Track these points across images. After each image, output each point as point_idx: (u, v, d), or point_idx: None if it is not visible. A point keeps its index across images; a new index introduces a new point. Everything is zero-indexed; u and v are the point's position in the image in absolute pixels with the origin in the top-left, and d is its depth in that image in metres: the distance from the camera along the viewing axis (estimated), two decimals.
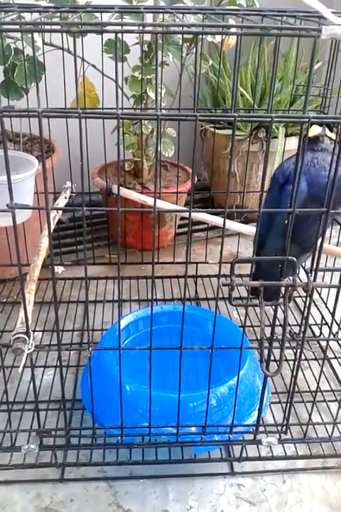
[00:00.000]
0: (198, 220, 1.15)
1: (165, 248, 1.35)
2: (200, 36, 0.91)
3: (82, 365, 0.94)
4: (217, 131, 1.33)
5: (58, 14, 0.87)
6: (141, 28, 0.47)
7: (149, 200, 1.08)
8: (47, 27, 0.50)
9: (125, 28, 0.47)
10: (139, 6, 0.94)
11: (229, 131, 1.39)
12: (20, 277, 0.60)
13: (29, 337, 0.61)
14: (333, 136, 0.79)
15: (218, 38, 1.09)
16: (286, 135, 1.37)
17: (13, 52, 1.02)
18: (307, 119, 0.50)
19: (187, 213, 0.56)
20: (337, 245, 1.11)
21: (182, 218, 1.41)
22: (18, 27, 0.47)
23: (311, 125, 0.75)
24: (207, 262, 1.20)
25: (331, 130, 0.80)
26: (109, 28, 0.46)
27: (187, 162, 1.37)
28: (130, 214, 1.26)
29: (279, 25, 0.49)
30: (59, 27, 0.48)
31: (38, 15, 0.74)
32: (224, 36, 1.03)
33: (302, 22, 0.68)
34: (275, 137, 1.37)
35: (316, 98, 1.31)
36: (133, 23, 0.48)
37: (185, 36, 1.04)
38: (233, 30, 0.48)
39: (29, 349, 0.60)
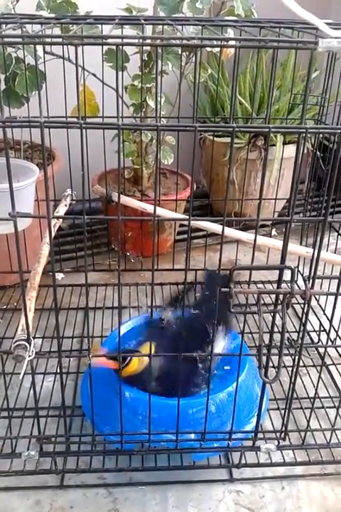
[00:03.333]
0: (197, 227, 1.16)
1: (164, 255, 1.36)
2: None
3: (81, 371, 0.94)
4: (215, 139, 1.34)
5: (59, 25, 0.88)
6: (141, 40, 0.48)
7: (149, 208, 1.09)
8: (49, 39, 0.51)
9: (126, 40, 0.48)
10: (139, 16, 0.95)
11: (228, 139, 1.40)
12: (21, 284, 0.60)
13: (30, 344, 0.62)
14: None
15: (217, 48, 1.10)
16: (284, 143, 1.38)
17: (14, 61, 1.03)
18: (304, 130, 0.51)
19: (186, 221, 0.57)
20: (335, 253, 1.12)
21: (181, 225, 1.42)
22: (21, 40, 0.48)
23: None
24: (206, 269, 1.21)
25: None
26: (110, 40, 0.47)
27: (186, 169, 1.38)
28: (129, 221, 1.27)
29: (277, 38, 0.50)
30: (61, 39, 0.49)
31: (40, 26, 0.75)
32: None
33: (300, 33, 0.69)
34: (274, 145, 1.38)
35: (314, 107, 1.32)
36: (133, 36, 0.48)
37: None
38: (231, 42, 0.49)
39: (30, 356, 0.61)
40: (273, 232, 1.45)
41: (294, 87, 1.29)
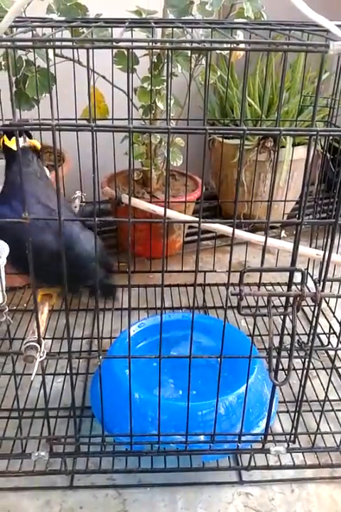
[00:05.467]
0: (206, 229, 1.16)
1: (173, 256, 1.36)
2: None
3: (91, 372, 0.95)
4: (225, 141, 1.34)
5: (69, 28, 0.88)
6: (151, 43, 0.49)
7: (158, 209, 1.09)
8: (60, 43, 0.51)
9: (136, 44, 0.48)
10: (149, 19, 0.95)
11: (237, 141, 1.40)
12: (32, 285, 0.61)
13: (41, 345, 0.62)
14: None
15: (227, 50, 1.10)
16: (294, 144, 1.38)
17: (24, 64, 1.04)
18: (315, 132, 0.51)
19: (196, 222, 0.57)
20: None
21: (190, 227, 1.42)
22: (31, 43, 0.49)
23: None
24: (215, 271, 1.21)
25: (30, 137, 0.68)
26: (121, 44, 0.48)
27: (196, 171, 1.38)
28: (138, 223, 1.27)
29: (287, 41, 0.50)
30: (72, 43, 0.49)
31: (50, 29, 0.76)
32: None
33: (310, 36, 0.68)
34: (283, 147, 1.37)
35: (324, 108, 1.32)
36: (144, 39, 0.49)
37: None
38: (241, 45, 0.49)
39: (41, 357, 0.61)
40: (283, 233, 1.45)
41: (304, 89, 1.29)
